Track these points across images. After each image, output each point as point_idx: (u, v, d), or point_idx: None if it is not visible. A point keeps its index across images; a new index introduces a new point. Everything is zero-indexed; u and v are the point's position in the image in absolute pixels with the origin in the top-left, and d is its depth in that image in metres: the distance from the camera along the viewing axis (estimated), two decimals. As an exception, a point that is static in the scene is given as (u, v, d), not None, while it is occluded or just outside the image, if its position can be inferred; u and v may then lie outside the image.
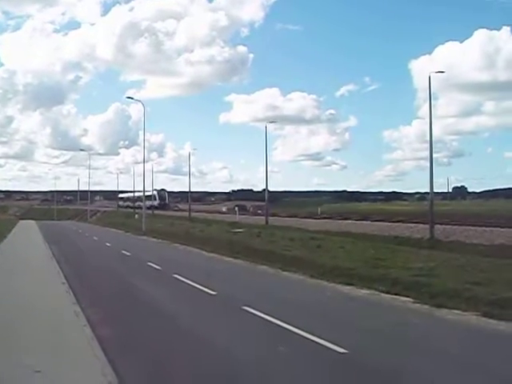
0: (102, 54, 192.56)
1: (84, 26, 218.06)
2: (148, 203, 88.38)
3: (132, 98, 66.29)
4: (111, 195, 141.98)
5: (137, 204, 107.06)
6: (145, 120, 53.34)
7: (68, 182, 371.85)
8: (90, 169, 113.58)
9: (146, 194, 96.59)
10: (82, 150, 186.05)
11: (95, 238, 45.69)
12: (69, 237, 48.00)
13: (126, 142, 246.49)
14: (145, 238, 45.21)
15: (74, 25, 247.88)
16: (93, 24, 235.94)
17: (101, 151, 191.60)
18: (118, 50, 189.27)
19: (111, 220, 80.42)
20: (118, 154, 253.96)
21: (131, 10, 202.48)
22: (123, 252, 29.50)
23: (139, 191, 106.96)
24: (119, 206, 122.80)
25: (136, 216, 69.93)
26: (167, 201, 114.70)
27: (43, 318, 11.46)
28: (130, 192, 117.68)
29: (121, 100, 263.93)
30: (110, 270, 22.29)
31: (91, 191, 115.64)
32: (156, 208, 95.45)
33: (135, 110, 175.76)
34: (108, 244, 37.45)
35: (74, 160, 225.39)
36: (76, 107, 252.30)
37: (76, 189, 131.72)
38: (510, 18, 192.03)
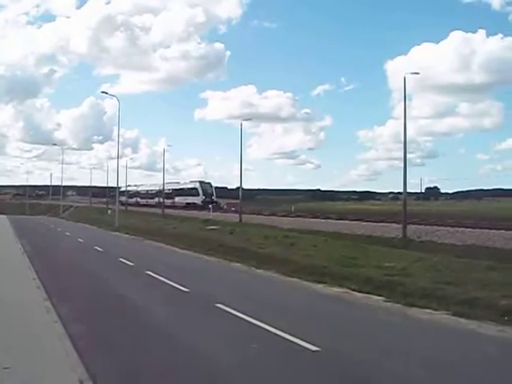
0: (77, 48, 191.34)
1: (59, 19, 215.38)
2: (186, 199, 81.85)
3: (107, 93, 64.89)
4: (84, 190, 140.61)
5: (155, 200, 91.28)
6: (119, 115, 52.76)
7: (40, 177, 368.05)
8: (62, 163, 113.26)
9: (184, 186, 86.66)
10: (54, 144, 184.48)
11: (67, 233, 45.27)
12: (41, 232, 47.53)
13: (100, 137, 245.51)
14: (117, 234, 44.93)
15: (48, 17, 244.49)
16: (68, 17, 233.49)
17: (74, 146, 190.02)
18: (94, 44, 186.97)
19: (84, 215, 79.74)
20: (91, 149, 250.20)
21: (108, 3, 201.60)
22: (96, 248, 29.27)
23: (171, 183, 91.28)
24: (122, 204, 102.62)
25: (109, 212, 69.31)
26: (214, 197, 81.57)
27: (13, 314, 11.30)
28: (143, 185, 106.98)
29: (95, 94, 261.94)
30: (82, 265, 22.07)
31: (64, 186, 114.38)
32: (200, 207, 73.21)
33: (110, 105, 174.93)
34: (80, 240, 37.12)
35: (46, 154, 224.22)
36: (50, 101, 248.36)
37: (49, 184, 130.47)
38: (486, 21, 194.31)
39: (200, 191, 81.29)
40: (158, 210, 72.15)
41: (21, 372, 7.32)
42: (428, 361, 8.52)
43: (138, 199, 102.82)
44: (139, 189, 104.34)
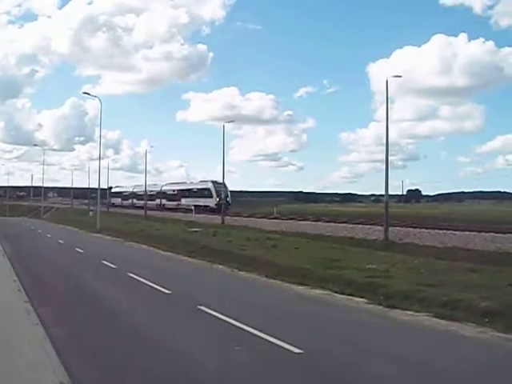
0: (59, 48, 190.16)
1: (41, 19, 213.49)
2: (195, 201, 72.61)
3: (89, 94, 64.20)
4: (66, 192, 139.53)
5: (156, 203, 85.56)
6: (101, 116, 52.43)
7: (21, 178, 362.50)
8: (44, 164, 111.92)
9: (193, 187, 78.83)
10: (36, 145, 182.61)
11: (48, 235, 44.97)
12: (21, 234, 47.09)
13: (82, 138, 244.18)
14: (99, 235, 44.67)
15: (30, 17, 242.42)
16: (50, 17, 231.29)
17: (55, 147, 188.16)
18: (75, 44, 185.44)
19: (65, 217, 79.23)
20: (73, 150, 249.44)
21: (90, 3, 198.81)
22: (77, 250, 29.11)
23: (175, 183, 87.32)
24: (111, 205, 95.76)
25: (90, 213, 68.90)
26: (229, 199, 73.00)
27: (-7, 317, 11.20)
28: (140, 185, 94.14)
29: (77, 95, 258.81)
30: (64, 267, 21.93)
31: (45, 187, 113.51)
32: (212, 210, 66.34)
33: (92, 106, 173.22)
34: (61, 241, 36.89)
35: (27, 155, 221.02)
36: (31, 101, 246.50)
37: (29, 185, 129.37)
38: (468, 25, 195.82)
39: (213, 192, 72.30)
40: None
41: (1, 374, 7.27)
42: (409, 362, 8.59)
43: (135, 201, 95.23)
44: (136, 190, 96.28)
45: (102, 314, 12.39)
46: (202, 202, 70.44)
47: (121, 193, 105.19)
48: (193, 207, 68.21)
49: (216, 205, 68.24)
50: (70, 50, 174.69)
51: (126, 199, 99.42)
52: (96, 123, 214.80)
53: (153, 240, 34.32)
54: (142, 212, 72.03)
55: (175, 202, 78.38)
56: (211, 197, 71.68)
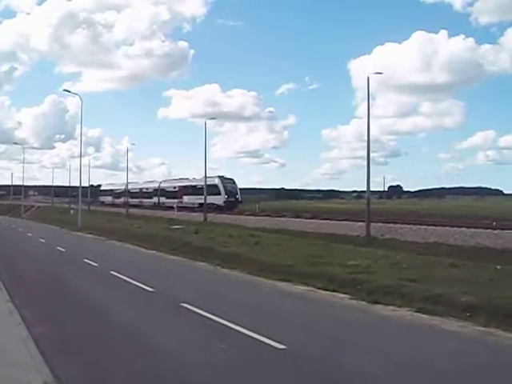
0: (38, 45, 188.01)
1: (19, 15, 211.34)
2: (200, 199, 65.13)
3: (69, 91, 63.09)
4: (46, 190, 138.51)
5: (153, 201, 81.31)
6: (82, 114, 52.07)
7: (1, 177, 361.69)
8: (24, 163, 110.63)
9: (197, 183, 70.30)
10: (15, 143, 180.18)
11: (29, 233, 44.60)
12: (1, 232, 46.78)
13: (62, 136, 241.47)
14: (80, 234, 44.45)
15: (8, 13, 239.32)
16: (28, 13, 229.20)
17: (36, 145, 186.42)
18: (55, 41, 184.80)
19: (46, 215, 78.62)
20: (53, 148, 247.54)
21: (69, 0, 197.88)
22: (58, 248, 28.94)
23: (176, 179, 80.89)
24: (105, 204, 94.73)
25: (71, 212, 68.45)
26: (239, 197, 69.24)
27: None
28: (133, 182, 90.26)
29: (57, 92, 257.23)
30: (46, 266, 21.81)
31: (25, 186, 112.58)
32: (220, 209, 62.44)
33: (72, 103, 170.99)
34: (43, 240, 36.64)
35: (7, 153, 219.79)
36: (10, 99, 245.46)
37: (9, 183, 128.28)
38: (448, 22, 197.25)
39: (221, 189, 66.56)
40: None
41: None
42: (391, 356, 8.68)
43: (128, 199, 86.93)
44: (130, 187, 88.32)
45: (85, 313, 12.33)
46: (208, 199, 63.19)
47: (112, 190, 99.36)
48: (196, 205, 65.72)
49: (225, 202, 64.89)
50: (50, 47, 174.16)
51: (118, 197, 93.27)
52: (77, 121, 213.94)
53: (134, 238, 34.21)
54: (123, 210, 71.62)
55: (176, 200, 70.80)
56: (219, 194, 65.89)
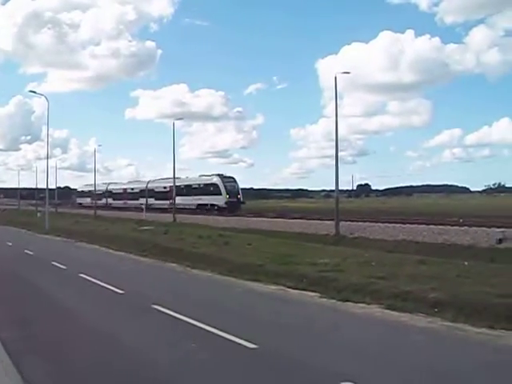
0: (2, 45, 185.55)
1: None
2: (198, 200, 63.20)
3: (35, 92, 61.74)
4: (12, 193, 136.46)
5: (140, 202, 73.03)
6: (48, 115, 51.34)
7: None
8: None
9: (194, 182, 67.03)
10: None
11: (-5, 237, 43.96)
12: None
13: (28, 137, 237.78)
14: (48, 236, 43.87)
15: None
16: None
17: (1, 147, 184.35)
18: (20, 41, 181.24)
19: (12, 218, 77.35)
20: (19, 149, 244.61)
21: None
22: (26, 251, 28.55)
23: (167, 179, 68.19)
24: (82, 206, 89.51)
25: (38, 214, 67.59)
26: (241, 197, 63.12)
27: None
28: (116, 182, 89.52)
29: (22, 93, 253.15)
30: (13, 270, 21.48)
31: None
32: (220, 210, 58.27)
33: (38, 104, 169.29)
34: (9, 243, 36.13)
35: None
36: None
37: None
38: (414, 22, 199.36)
39: (222, 188, 60.79)
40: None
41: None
42: (361, 353, 8.80)
43: (110, 201, 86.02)
44: (112, 187, 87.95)
45: (54, 316, 12.23)
46: (206, 200, 60.66)
47: (90, 191, 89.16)
48: (192, 206, 61.75)
49: (226, 203, 59.32)
50: (14, 46, 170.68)
51: (99, 199, 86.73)
52: (43, 122, 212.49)
53: (103, 240, 33.91)
54: (91, 212, 70.95)
55: (167, 201, 65.09)
56: (219, 194, 60.75)
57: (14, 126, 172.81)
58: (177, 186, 62.34)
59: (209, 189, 60.71)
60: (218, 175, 63.77)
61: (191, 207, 62.50)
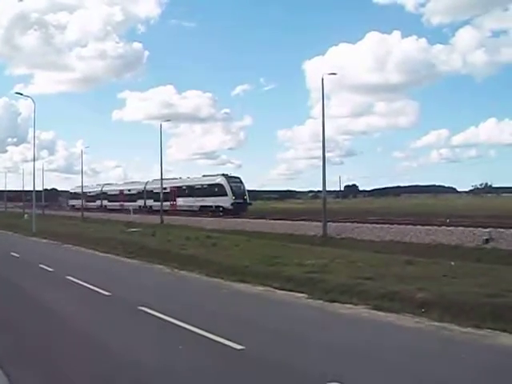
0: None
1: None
2: (201, 201, 60.90)
3: (21, 94, 61.20)
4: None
5: (138, 204, 71.81)
6: (35, 117, 51.16)
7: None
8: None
9: (197, 183, 64.51)
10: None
11: (-19, 240, 43.70)
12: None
13: (15, 139, 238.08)
14: (35, 239, 43.63)
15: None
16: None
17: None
18: (6, 43, 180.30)
19: (-2, 221, 77.06)
20: (5, 151, 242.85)
21: (20, 0, 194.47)
22: (12, 254, 28.36)
23: (169, 179, 66.39)
24: (77, 209, 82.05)
25: (25, 216, 67.24)
26: (247, 198, 60.23)
27: None
28: (111, 184, 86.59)
29: (8, 95, 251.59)
30: (-1, 272, 21.38)
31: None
32: (226, 212, 56.04)
33: (24, 106, 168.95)
34: (-5, 246, 35.91)
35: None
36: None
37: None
38: (401, 23, 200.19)
39: (228, 189, 58.18)
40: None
41: None
42: (347, 352, 8.83)
43: (105, 202, 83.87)
44: (107, 189, 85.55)
45: (41, 318, 12.14)
46: (210, 201, 58.34)
47: (84, 193, 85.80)
48: (196, 208, 60.13)
49: (232, 205, 56.90)
50: (0, 48, 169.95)
51: (93, 200, 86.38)
52: (29, 124, 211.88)
53: (91, 242, 33.76)
54: (78, 214, 70.63)
55: (168, 203, 63.43)
56: (224, 195, 58.25)
57: (0, 128, 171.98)
58: (178, 187, 62.10)
59: (213, 189, 58.86)
60: (223, 175, 61.52)
61: (193, 209, 60.89)
